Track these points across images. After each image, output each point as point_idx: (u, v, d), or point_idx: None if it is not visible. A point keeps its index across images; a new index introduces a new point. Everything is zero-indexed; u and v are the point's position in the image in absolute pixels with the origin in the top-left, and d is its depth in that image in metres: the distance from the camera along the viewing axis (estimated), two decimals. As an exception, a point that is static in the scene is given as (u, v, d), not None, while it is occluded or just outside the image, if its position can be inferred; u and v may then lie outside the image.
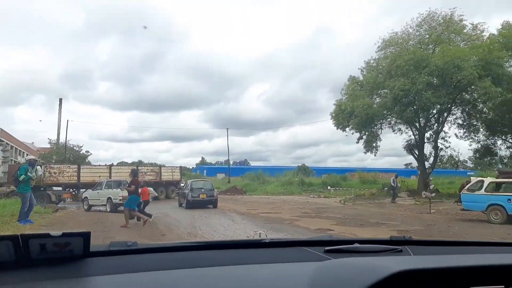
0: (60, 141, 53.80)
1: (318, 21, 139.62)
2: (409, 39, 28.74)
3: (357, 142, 30.10)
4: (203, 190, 21.41)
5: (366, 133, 29.15)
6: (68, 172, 24.93)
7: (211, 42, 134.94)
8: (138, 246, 1.60)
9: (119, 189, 19.22)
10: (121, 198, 18.22)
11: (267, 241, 1.92)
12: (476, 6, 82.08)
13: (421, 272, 1.10)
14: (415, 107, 26.24)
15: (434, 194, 19.41)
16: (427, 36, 28.15)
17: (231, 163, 69.39)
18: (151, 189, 16.07)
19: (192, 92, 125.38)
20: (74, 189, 25.54)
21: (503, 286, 1.15)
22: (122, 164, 35.91)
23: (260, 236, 2.56)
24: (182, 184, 29.11)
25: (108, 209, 19.01)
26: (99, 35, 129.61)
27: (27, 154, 63.37)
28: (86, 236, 1.32)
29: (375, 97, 30.02)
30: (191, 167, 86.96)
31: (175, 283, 1.28)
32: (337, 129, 29.96)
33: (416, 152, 29.77)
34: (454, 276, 1.13)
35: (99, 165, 33.71)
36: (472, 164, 70.36)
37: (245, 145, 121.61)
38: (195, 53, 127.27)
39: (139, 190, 13.73)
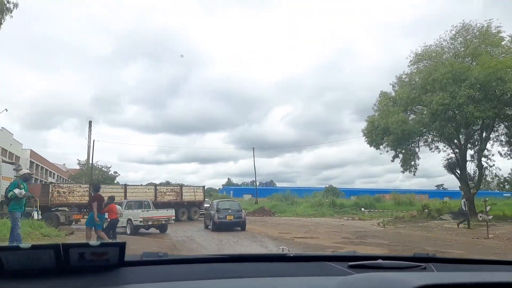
0: (95, 164, 53.74)
1: (340, 43, 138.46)
2: (443, 53, 26.51)
3: (392, 161, 27.58)
4: (230, 211, 19.44)
5: (403, 151, 26.67)
6: (78, 192, 23.31)
7: (235, 66, 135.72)
8: (168, 257, 1.60)
9: (139, 210, 17.50)
10: (141, 219, 16.52)
11: (291, 255, 1.85)
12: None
13: (444, 287, 1.07)
14: (455, 123, 23.85)
15: (491, 216, 16.73)
16: (463, 49, 25.87)
17: (257, 184, 67.85)
18: (119, 207, 14.14)
19: (217, 115, 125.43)
20: (87, 210, 24.02)
21: None
22: (150, 184, 34.02)
23: (283, 251, 2.35)
24: (206, 205, 27.15)
25: (128, 232, 17.27)
26: (127, 60, 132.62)
27: (58, 176, 63.75)
28: (121, 247, 1.32)
29: (409, 113, 27.74)
30: (217, 188, 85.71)
31: None
32: (370, 146, 27.60)
33: (458, 172, 26.95)
34: None
35: (116, 183, 32.16)
36: (508, 185, 65.83)
37: (271, 166, 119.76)
38: (220, 77, 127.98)
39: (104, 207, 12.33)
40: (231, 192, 71.54)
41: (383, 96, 28.32)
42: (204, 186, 31.78)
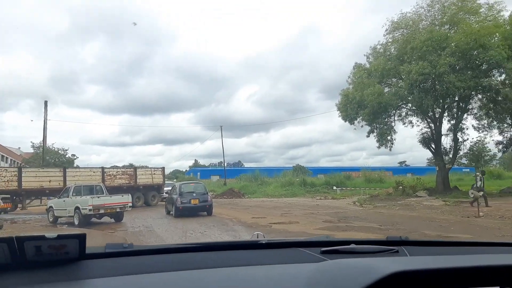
0: (47, 145, 49.20)
1: (304, 21, 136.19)
2: (420, 20, 24.61)
3: (368, 136, 25.78)
4: (194, 194, 17.08)
5: (379, 125, 24.89)
6: (4, 177, 19.82)
7: (199, 44, 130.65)
8: (133, 248, 1.52)
9: (88, 197, 14.61)
10: (91, 207, 13.71)
11: (264, 242, 1.77)
12: None
13: (416, 272, 1.05)
14: (435, 93, 22.28)
15: (482, 192, 15.14)
16: (440, 16, 24.17)
17: (225, 165, 65.18)
18: None
19: (182, 94, 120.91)
20: (19, 197, 20.75)
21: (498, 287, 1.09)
22: (114, 167, 30.10)
23: (258, 237, 2.14)
24: (167, 188, 24.29)
25: (76, 222, 14.41)
26: (85, 38, 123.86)
27: (11, 160, 58.49)
28: (81, 238, 1.23)
29: (383, 86, 25.91)
30: (184, 170, 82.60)
31: (172, 285, 1.22)
32: (345, 121, 25.65)
33: (433, 146, 25.61)
34: (450, 276, 1.06)
35: (76, 167, 28.32)
36: (466, 160, 67.04)
37: (238, 146, 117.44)
38: (183, 55, 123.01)
39: None
40: (198, 173, 68.74)
41: (357, 68, 26.32)
42: (163, 168, 27.97)
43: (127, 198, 15.20)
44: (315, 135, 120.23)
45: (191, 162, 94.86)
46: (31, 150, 53.86)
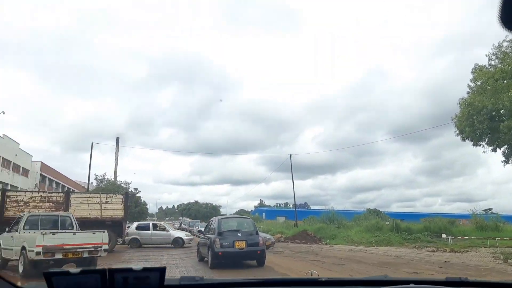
0: (109, 179, 46.21)
1: (370, 63, 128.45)
2: None
3: (506, 163, 17.07)
4: (239, 234, 11.14)
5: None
6: None
7: (265, 88, 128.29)
8: (204, 281, 1.56)
9: (38, 233, 8.51)
10: (40, 250, 7.54)
11: (323, 279, 1.72)
12: None
13: None
14: None
15: None
16: None
17: (290, 206, 57.76)
18: None
19: (248, 137, 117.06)
20: None
21: None
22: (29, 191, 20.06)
23: (312, 275, 2.16)
24: (128, 225, 17.03)
25: (21, 269, 8.60)
26: (161, 85, 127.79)
27: (72, 190, 56.94)
28: (162, 271, 1.29)
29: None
30: (249, 210, 75.91)
31: None
32: (469, 140, 17.40)
33: None
34: None
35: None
36: None
37: (303, 188, 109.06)
38: (250, 100, 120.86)
39: None
40: (264, 213, 61.57)
41: (479, 71, 18.28)
42: (126, 194, 18.23)
43: (101, 237, 8.93)
44: (385, 179, 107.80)
45: (256, 202, 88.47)
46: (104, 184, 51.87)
